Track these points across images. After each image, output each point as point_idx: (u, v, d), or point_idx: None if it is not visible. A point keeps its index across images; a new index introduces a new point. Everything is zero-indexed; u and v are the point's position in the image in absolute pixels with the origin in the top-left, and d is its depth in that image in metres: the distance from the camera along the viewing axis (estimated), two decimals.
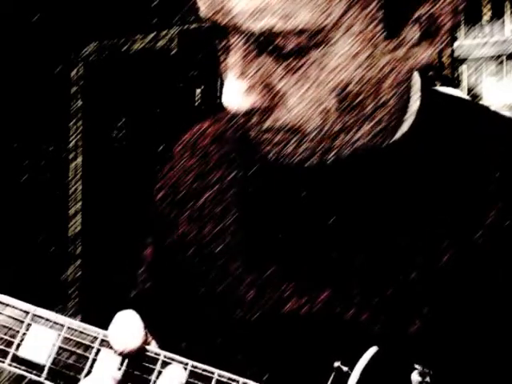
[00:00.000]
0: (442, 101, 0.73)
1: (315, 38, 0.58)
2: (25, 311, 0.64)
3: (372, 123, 0.65)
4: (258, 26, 0.58)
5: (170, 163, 0.83)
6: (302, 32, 0.57)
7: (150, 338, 0.64)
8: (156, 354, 0.61)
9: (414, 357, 0.60)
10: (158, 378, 0.60)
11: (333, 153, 0.66)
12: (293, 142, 0.64)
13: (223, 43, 0.64)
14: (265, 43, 0.60)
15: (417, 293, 0.64)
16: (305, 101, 0.62)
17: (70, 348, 0.62)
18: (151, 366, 0.61)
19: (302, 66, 0.60)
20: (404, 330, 0.62)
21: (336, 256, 0.67)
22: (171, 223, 0.78)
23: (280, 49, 0.59)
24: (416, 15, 0.62)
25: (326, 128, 0.63)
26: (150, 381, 0.60)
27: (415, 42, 0.63)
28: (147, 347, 0.62)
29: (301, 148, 0.65)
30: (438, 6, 0.62)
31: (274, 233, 0.71)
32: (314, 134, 0.63)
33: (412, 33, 0.62)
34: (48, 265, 3.26)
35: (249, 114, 0.63)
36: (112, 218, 3.30)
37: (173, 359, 0.61)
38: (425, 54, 0.64)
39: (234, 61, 0.62)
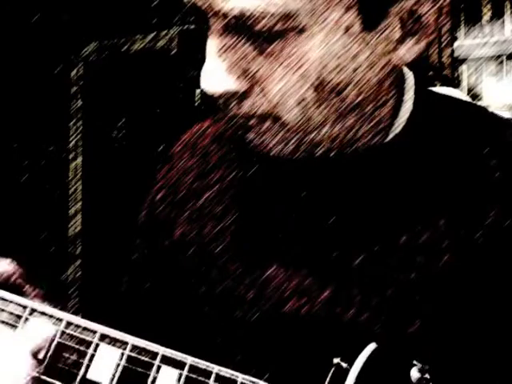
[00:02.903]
0: (436, 101, 0.73)
1: (288, 23, 0.58)
2: (23, 306, 0.64)
3: (357, 120, 0.65)
4: (229, 6, 0.58)
5: (170, 163, 0.83)
6: (273, 15, 0.57)
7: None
8: (155, 350, 0.62)
9: (413, 353, 0.60)
10: (157, 372, 0.61)
11: (320, 147, 0.65)
12: (273, 130, 0.64)
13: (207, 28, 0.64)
14: (240, 26, 0.60)
15: (417, 293, 0.64)
16: (281, 88, 0.61)
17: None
18: (152, 360, 0.61)
19: (276, 51, 0.60)
20: (404, 330, 0.62)
21: (336, 256, 0.67)
22: (171, 223, 0.78)
23: (254, 32, 0.59)
24: (396, 10, 0.61)
25: (305, 119, 0.63)
26: (147, 378, 0.61)
27: (397, 38, 0.63)
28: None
29: (282, 138, 0.64)
30: (419, 2, 0.62)
31: (273, 232, 0.71)
32: (293, 123, 0.63)
33: (393, 28, 0.62)
34: (48, 265, 3.26)
35: (225, 97, 0.63)
36: (112, 218, 3.29)
37: (172, 355, 0.61)
38: (408, 51, 0.64)
39: (211, 43, 0.62)
